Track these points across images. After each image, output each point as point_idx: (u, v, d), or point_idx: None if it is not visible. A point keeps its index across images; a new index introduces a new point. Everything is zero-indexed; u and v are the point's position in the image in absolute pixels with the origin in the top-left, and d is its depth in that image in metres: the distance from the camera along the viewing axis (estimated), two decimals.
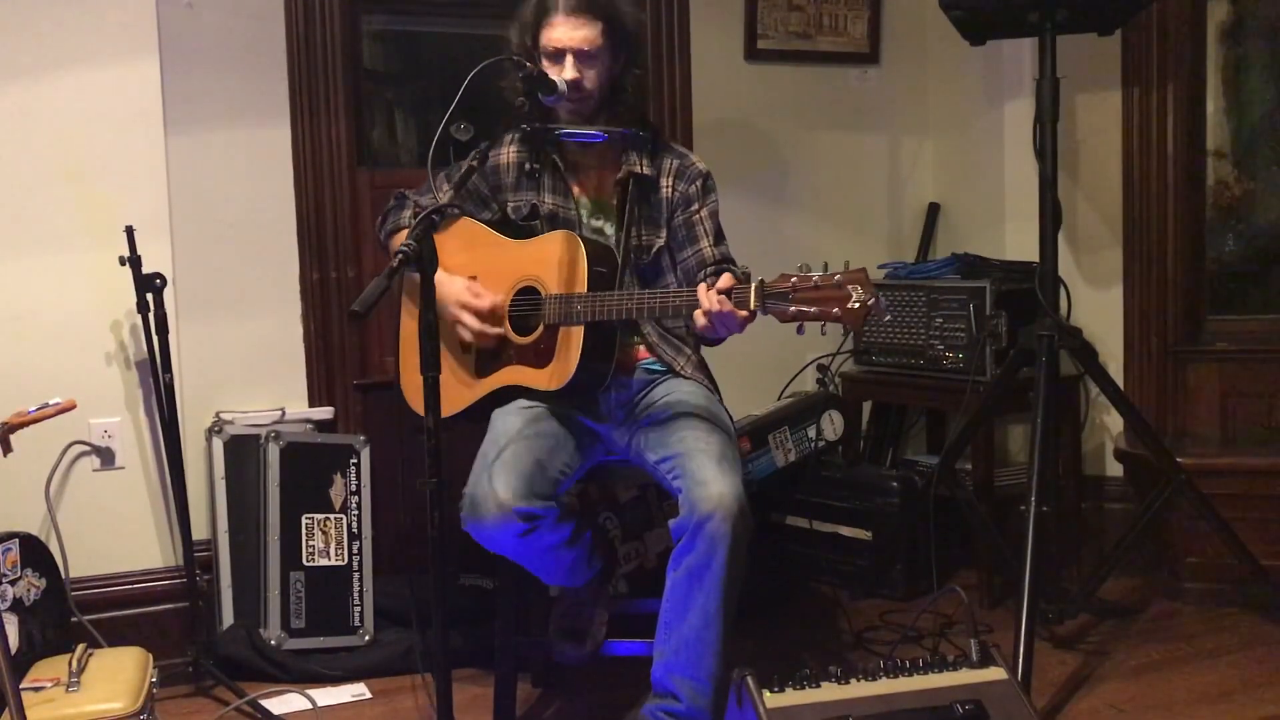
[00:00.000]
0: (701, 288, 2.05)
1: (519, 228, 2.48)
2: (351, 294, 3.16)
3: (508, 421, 2.32)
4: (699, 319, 2.06)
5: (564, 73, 2.34)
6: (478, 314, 2.37)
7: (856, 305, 1.88)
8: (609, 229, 2.46)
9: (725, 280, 2.02)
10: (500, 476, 2.16)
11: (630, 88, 2.44)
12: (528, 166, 2.47)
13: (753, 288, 1.97)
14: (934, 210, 3.98)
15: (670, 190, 2.45)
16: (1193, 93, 3.50)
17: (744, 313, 1.99)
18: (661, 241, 2.45)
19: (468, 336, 2.39)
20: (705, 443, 2.21)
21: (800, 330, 1.97)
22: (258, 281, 3.12)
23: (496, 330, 2.38)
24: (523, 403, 2.37)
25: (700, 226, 2.44)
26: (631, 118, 2.45)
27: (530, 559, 2.29)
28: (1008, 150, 3.65)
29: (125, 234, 2.74)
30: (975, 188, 3.83)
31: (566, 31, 2.34)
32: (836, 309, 1.89)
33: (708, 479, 2.12)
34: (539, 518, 2.17)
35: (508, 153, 2.51)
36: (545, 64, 2.37)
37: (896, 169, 3.99)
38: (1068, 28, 2.88)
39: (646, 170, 2.44)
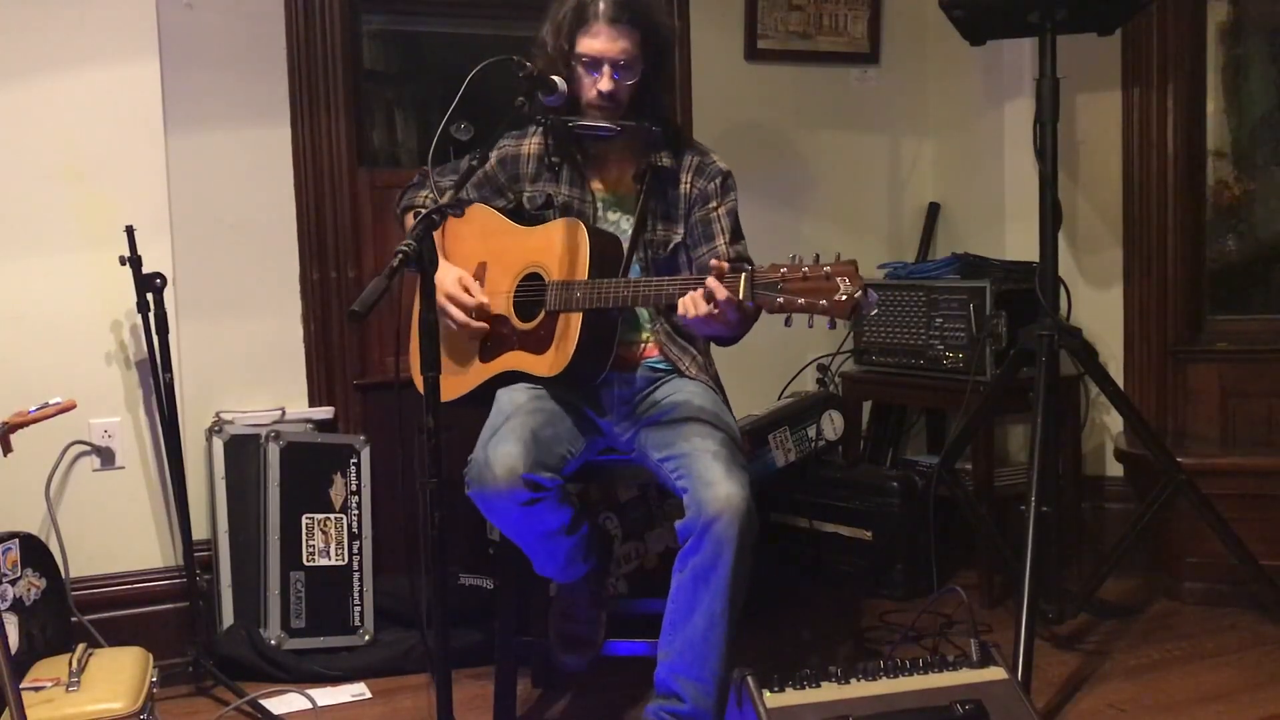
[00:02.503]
0: (709, 278, 2.00)
1: (533, 217, 2.48)
2: (351, 294, 3.16)
3: (514, 397, 2.33)
4: (682, 307, 2.03)
5: (600, 83, 2.33)
6: (464, 308, 2.38)
7: (844, 298, 1.86)
8: (625, 224, 2.46)
9: (716, 267, 1.99)
10: (509, 443, 2.16)
11: (654, 89, 2.42)
12: (548, 159, 2.47)
13: (742, 278, 1.95)
14: (934, 210, 3.98)
15: (689, 186, 2.44)
16: (1193, 93, 3.50)
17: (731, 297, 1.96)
18: (679, 237, 2.44)
19: (454, 327, 2.40)
20: (712, 443, 2.19)
21: (787, 322, 1.93)
22: (258, 281, 3.12)
23: (481, 325, 2.39)
24: (527, 383, 2.38)
25: (717, 224, 2.42)
26: (653, 115, 2.43)
27: (528, 539, 2.28)
28: (1008, 150, 3.65)
29: (125, 234, 2.74)
30: (975, 188, 3.83)
31: (607, 42, 2.32)
32: (824, 301, 1.87)
33: (715, 480, 2.12)
34: (545, 489, 2.17)
35: (530, 143, 2.51)
36: (579, 69, 2.35)
37: (896, 169, 3.98)
38: (1068, 28, 2.88)
39: (667, 163, 2.43)
